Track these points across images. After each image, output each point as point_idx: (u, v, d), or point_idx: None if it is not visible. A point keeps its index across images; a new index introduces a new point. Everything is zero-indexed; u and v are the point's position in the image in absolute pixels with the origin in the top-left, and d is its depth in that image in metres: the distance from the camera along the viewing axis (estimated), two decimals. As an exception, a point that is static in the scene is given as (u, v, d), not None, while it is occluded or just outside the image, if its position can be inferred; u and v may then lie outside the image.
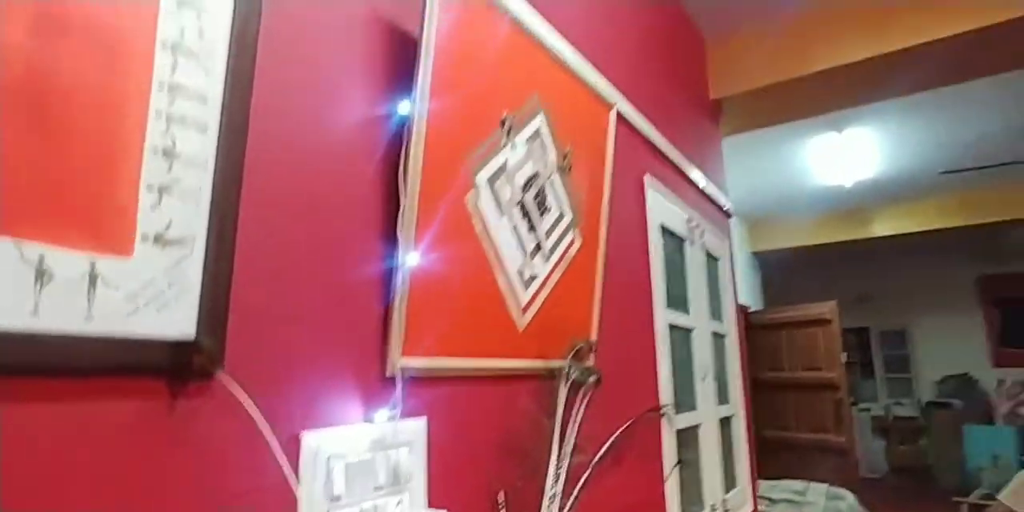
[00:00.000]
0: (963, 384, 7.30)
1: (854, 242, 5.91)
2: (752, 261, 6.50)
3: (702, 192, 2.38)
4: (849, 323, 8.01)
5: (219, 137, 0.64)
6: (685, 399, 2.07)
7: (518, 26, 1.06)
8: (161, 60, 0.60)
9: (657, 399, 1.71)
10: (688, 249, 2.20)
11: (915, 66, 2.40)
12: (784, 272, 6.96)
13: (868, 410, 7.95)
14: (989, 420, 6.80)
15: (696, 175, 2.27)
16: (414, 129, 0.84)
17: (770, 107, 2.77)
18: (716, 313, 2.51)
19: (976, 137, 3.78)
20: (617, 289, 1.49)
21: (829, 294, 7.18)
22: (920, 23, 2.24)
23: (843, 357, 5.66)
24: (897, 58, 2.29)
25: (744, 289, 6.13)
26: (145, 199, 0.58)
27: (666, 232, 2.01)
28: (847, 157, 4.05)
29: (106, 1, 0.56)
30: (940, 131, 3.74)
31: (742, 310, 5.99)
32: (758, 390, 6.27)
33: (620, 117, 1.59)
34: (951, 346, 7.49)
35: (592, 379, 1.25)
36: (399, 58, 0.89)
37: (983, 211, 5.13)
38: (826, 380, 5.71)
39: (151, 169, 0.58)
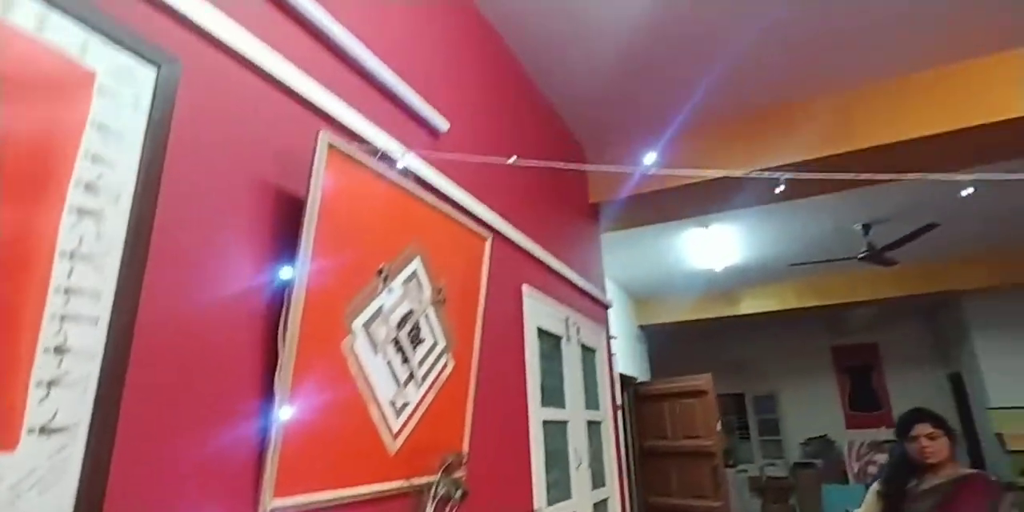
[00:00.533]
0: (823, 445, 7.97)
1: (728, 317, 6.49)
2: (640, 334, 6.92)
3: (580, 290, 2.61)
4: (728, 389, 8.63)
5: (109, 328, 0.72)
6: (559, 490, 2.20)
7: (397, 185, 1.22)
8: (59, 268, 0.68)
9: (531, 499, 1.83)
10: (565, 346, 2.40)
11: (755, 186, 2.84)
12: (670, 344, 7.46)
13: (745, 471, 8.44)
14: (844, 479, 7.43)
15: (573, 276, 2.50)
16: (295, 291, 0.95)
17: (642, 211, 3.12)
18: (592, 402, 2.70)
19: (816, 236, 4.43)
20: (492, 398, 1.63)
21: (710, 363, 7.72)
22: (757, 155, 2.69)
23: (718, 426, 6.08)
24: (738, 181, 2.71)
25: (632, 361, 6.50)
26: (34, 395, 0.65)
27: (543, 333, 2.19)
28: (715, 248, 4.56)
29: (11, 215, 0.65)
30: (787, 231, 4.35)
31: (631, 382, 6.34)
32: (647, 458, 6.55)
33: (500, 237, 1.79)
34: (813, 410, 8.21)
35: (458, 493, 1.35)
36: (286, 221, 1.02)
37: (830, 294, 5.90)
38: (704, 448, 6.05)
39: (43, 366, 0.66)
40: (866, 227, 4.08)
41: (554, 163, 1.55)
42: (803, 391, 8.32)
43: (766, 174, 1.58)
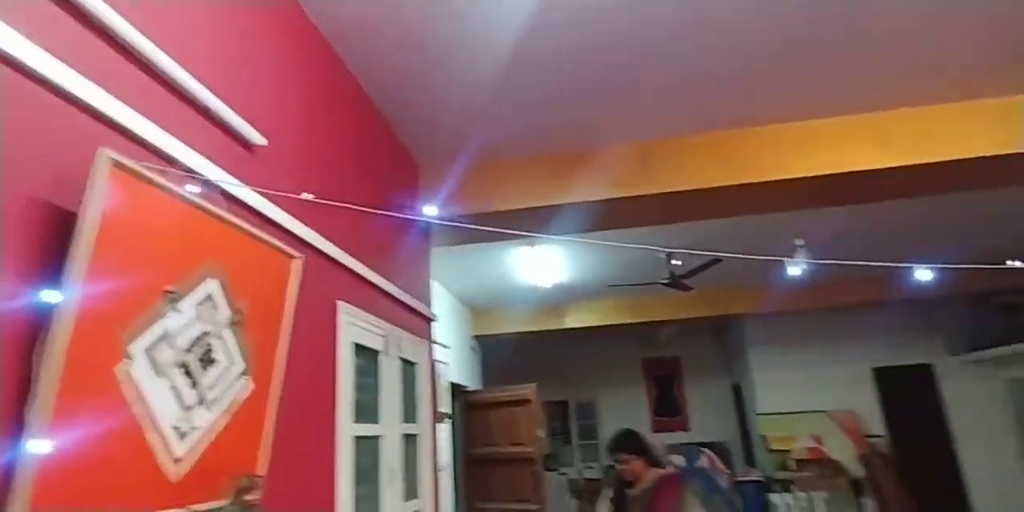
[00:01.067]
0: (633, 449, 8.80)
1: (555, 330, 6.94)
2: (475, 344, 7.12)
3: (403, 304, 2.67)
4: (554, 397, 9.18)
5: None
6: (367, 505, 2.22)
7: (193, 203, 1.19)
8: None
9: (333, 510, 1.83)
10: (384, 360, 2.44)
11: (573, 215, 3.13)
12: (504, 354, 7.77)
13: (566, 474, 9.00)
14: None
15: (396, 291, 2.55)
16: (60, 314, 0.90)
17: (470, 231, 3.26)
18: (410, 415, 2.76)
19: (630, 261, 4.95)
20: (298, 417, 1.62)
21: (540, 372, 8.15)
22: (568, 189, 2.98)
23: (541, 432, 6.44)
24: (555, 210, 2.99)
25: (466, 370, 6.66)
26: None
27: (361, 349, 2.22)
28: (542, 266, 4.88)
29: None
30: (606, 255, 4.79)
31: (462, 391, 6.49)
32: (473, 465, 6.73)
33: (316, 254, 1.79)
34: (626, 416, 9.00)
35: (248, 518, 1.33)
36: (62, 240, 0.95)
37: (642, 312, 6.58)
38: (526, 454, 6.36)
39: None
40: (669, 257, 4.64)
41: (352, 205, 1.59)
42: (618, 399, 9.10)
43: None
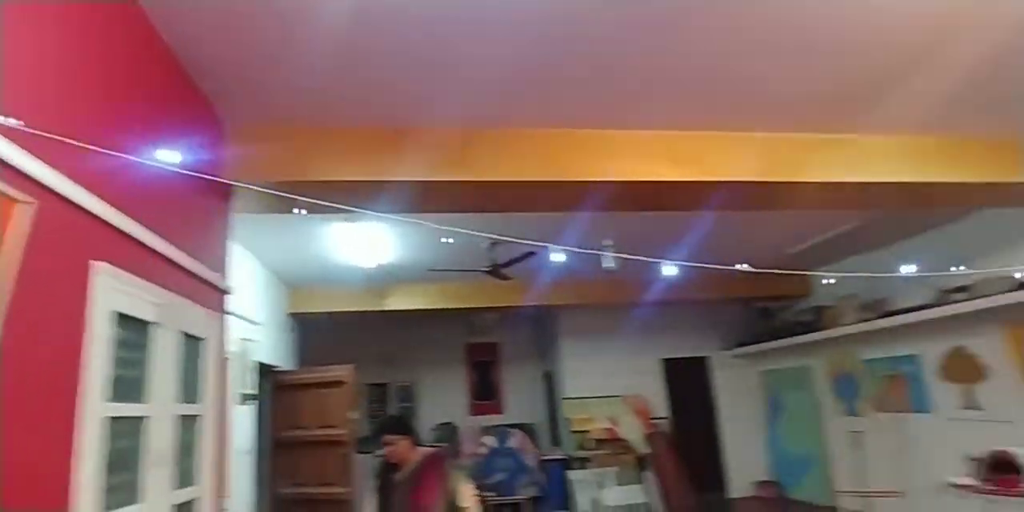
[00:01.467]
0: (449, 430, 8.94)
1: (379, 312, 6.77)
2: (291, 323, 6.71)
3: (189, 272, 2.39)
4: (374, 380, 9.03)
5: None
6: (123, 494, 1.97)
7: None
8: None
9: (67, 508, 1.58)
10: (157, 333, 2.17)
11: (394, 194, 3.05)
12: (324, 333, 7.42)
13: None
14: (459, 458, 8.48)
15: (180, 256, 2.28)
16: None
17: (278, 199, 3.03)
18: (191, 395, 2.50)
19: (454, 246, 4.96)
20: (21, 397, 1.36)
21: (362, 353, 7.97)
22: (389, 166, 2.91)
23: (354, 415, 6.28)
24: (374, 186, 2.89)
25: (279, 350, 6.26)
26: None
27: (125, 319, 1.94)
28: (364, 245, 4.72)
29: None
30: (428, 238, 4.76)
31: (270, 370, 6.08)
32: (280, 449, 6.35)
33: (62, 201, 1.51)
34: (445, 399, 9.15)
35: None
36: None
37: (465, 298, 6.69)
38: (337, 437, 6.17)
39: None
40: (492, 245, 4.75)
41: (105, 150, 1.38)
42: (439, 382, 9.20)
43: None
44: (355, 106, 2.83)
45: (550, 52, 2.47)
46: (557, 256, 2.84)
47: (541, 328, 9.27)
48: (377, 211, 2.82)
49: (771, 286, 7.38)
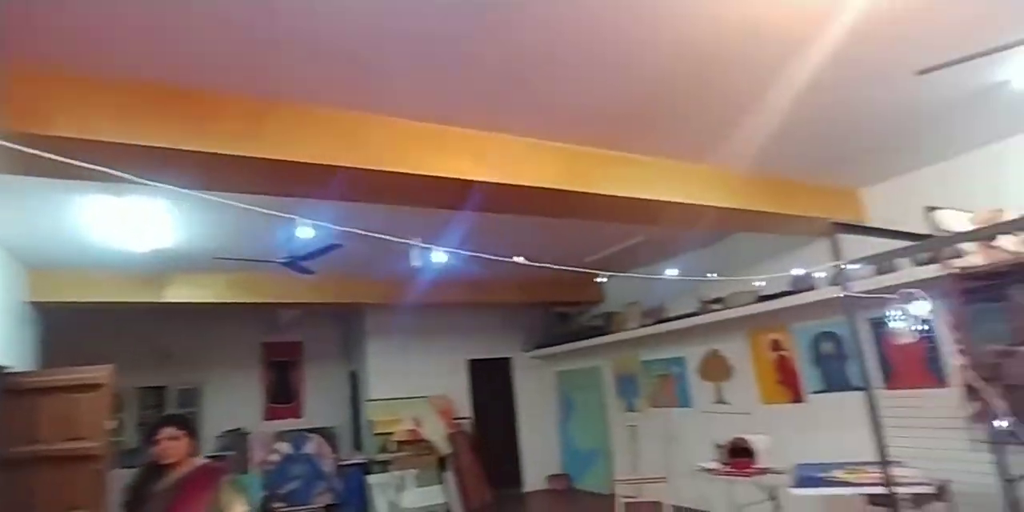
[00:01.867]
0: (237, 438, 8.14)
1: (153, 304, 5.93)
2: (31, 313, 5.59)
3: None
4: (148, 382, 7.92)
5: None
6: None
7: None
8: None
9: None
10: None
11: (170, 164, 2.66)
12: (79, 328, 6.32)
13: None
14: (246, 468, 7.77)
15: None
16: None
17: (18, 155, 2.49)
18: None
19: (249, 232, 4.52)
20: None
21: (132, 352, 6.94)
22: (184, 133, 2.57)
23: (111, 424, 5.41)
24: (144, 152, 2.50)
25: (12, 345, 5.16)
26: None
27: None
28: (134, 223, 4.08)
29: None
30: (221, 221, 4.28)
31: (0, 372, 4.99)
32: (9, 468, 5.23)
33: None
34: (235, 403, 8.33)
35: None
36: None
37: (262, 292, 6.14)
38: (86, 451, 5.27)
39: None
40: (292, 235, 4.41)
41: None
42: (229, 384, 8.37)
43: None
44: (131, 57, 2.41)
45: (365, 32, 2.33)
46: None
47: (347, 326, 8.91)
48: (147, 181, 2.44)
49: (569, 292, 7.92)
